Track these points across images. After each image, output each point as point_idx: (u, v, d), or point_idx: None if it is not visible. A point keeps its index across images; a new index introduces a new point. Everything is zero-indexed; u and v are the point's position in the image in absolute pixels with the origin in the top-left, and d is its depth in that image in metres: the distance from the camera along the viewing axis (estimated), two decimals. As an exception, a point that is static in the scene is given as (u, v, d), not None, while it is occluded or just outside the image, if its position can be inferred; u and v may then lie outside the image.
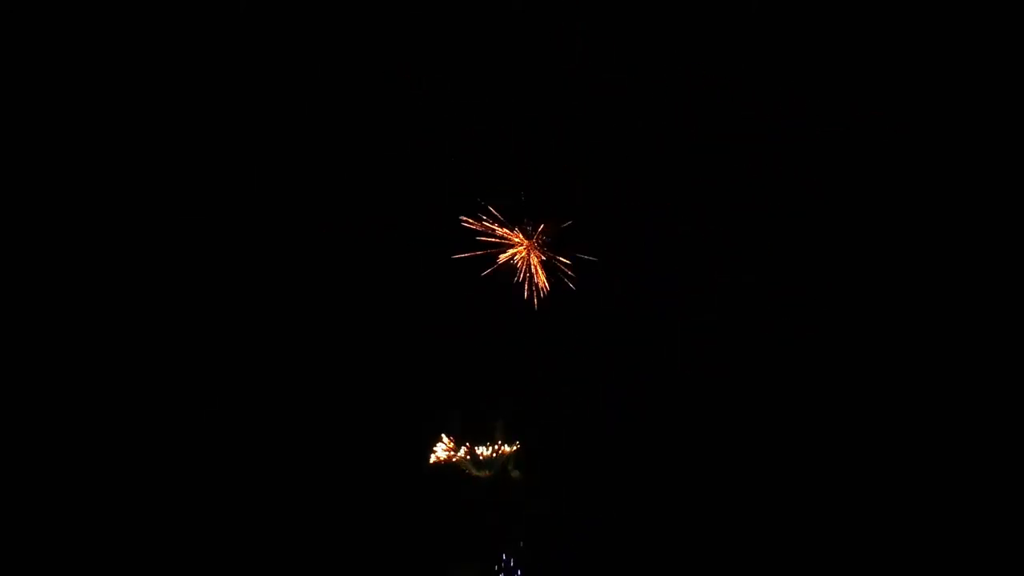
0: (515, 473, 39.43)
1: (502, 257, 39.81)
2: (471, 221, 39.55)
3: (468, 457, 39.63)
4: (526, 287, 39.43)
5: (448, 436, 39.75)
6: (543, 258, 39.58)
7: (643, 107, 37.01)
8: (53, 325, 35.30)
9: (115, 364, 35.97)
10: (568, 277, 39.15)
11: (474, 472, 39.16)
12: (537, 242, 39.50)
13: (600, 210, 37.65)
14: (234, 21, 35.72)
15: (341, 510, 36.36)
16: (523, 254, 39.79)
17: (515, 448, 40.11)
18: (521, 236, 39.91)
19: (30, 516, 33.22)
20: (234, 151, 37.34)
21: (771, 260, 37.67)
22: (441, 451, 39.43)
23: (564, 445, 39.09)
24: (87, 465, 34.58)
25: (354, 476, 37.18)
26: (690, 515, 36.86)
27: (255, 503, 35.70)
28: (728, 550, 36.04)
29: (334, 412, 37.90)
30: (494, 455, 39.56)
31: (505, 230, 40.05)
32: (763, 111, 36.42)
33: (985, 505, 34.52)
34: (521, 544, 38.14)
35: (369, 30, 36.46)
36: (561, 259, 39.04)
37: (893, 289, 36.97)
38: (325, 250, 38.27)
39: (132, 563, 33.39)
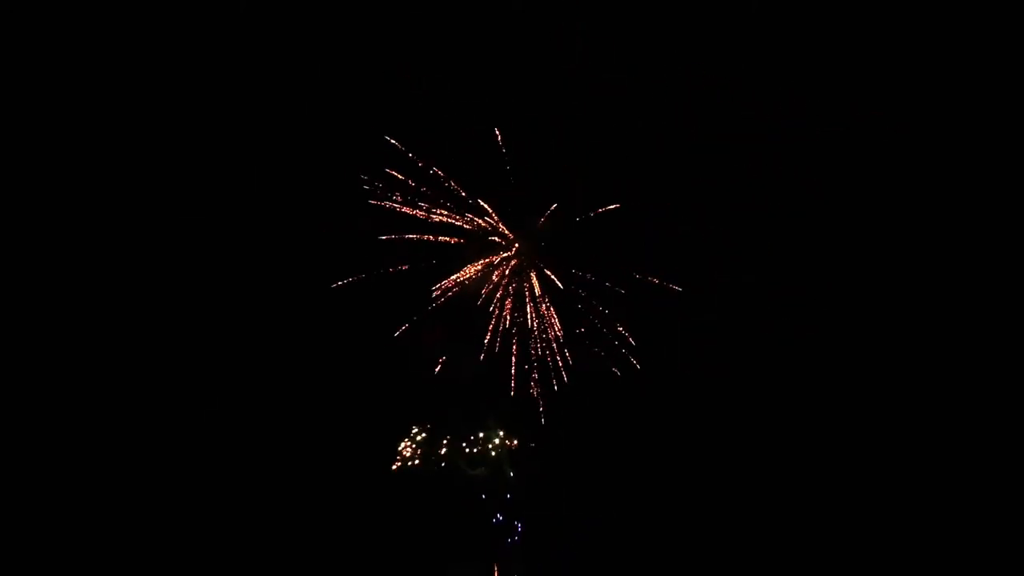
0: (510, 472, 38.39)
1: (460, 275, 31.09)
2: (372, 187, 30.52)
3: (451, 446, 36.69)
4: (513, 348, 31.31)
5: (418, 426, 35.75)
6: (557, 283, 31.26)
7: (643, 107, 37.02)
8: (49, 324, 35.22)
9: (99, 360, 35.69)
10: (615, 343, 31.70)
11: (468, 472, 37.59)
12: (534, 246, 32.05)
13: (600, 210, 37.55)
14: (230, 21, 35.89)
15: (340, 510, 36.12)
16: (509, 266, 31.93)
17: (510, 446, 37.65)
18: (505, 230, 31.89)
19: (30, 516, 33.30)
20: (219, 151, 36.70)
21: (771, 260, 37.62)
22: (406, 448, 35.43)
23: (563, 445, 38.98)
24: (70, 462, 34.48)
25: (352, 477, 36.83)
26: (690, 514, 36.82)
27: (255, 503, 35.55)
28: (728, 549, 36.08)
29: (331, 413, 37.16)
30: (492, 452, 37.64)
31: (473, 217, 30.94)
32: (763, 111, 36.39)
33: (985, 505, 34.56)
34: (516, 538, 36.80)
35: (369, 30, 36.53)
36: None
37: (892, 289, 36.97)
38: (322, 249, 36.51)
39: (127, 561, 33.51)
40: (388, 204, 32.03)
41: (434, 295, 31.78)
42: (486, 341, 32.18)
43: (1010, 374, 35.20)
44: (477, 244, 32.55)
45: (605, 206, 35.35)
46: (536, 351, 31.67)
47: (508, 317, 31.41)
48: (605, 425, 38.43)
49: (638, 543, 36.55)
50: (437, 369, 32.79)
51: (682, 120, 36.85)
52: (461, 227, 32.14)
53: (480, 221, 32.29)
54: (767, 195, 36.96)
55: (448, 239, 31.87)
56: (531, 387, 32.58)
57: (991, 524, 34.17)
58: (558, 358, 32.91)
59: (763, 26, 35.82)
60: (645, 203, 37.45)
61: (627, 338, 32.86)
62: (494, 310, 32.05)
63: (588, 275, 33.62)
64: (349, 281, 31.59)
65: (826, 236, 37.01)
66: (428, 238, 32.33)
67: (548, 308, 31.63)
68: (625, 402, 38.38)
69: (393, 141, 31.75)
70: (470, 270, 32.07)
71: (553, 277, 32.31)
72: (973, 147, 35.31)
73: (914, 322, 36.43)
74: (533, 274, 32.46)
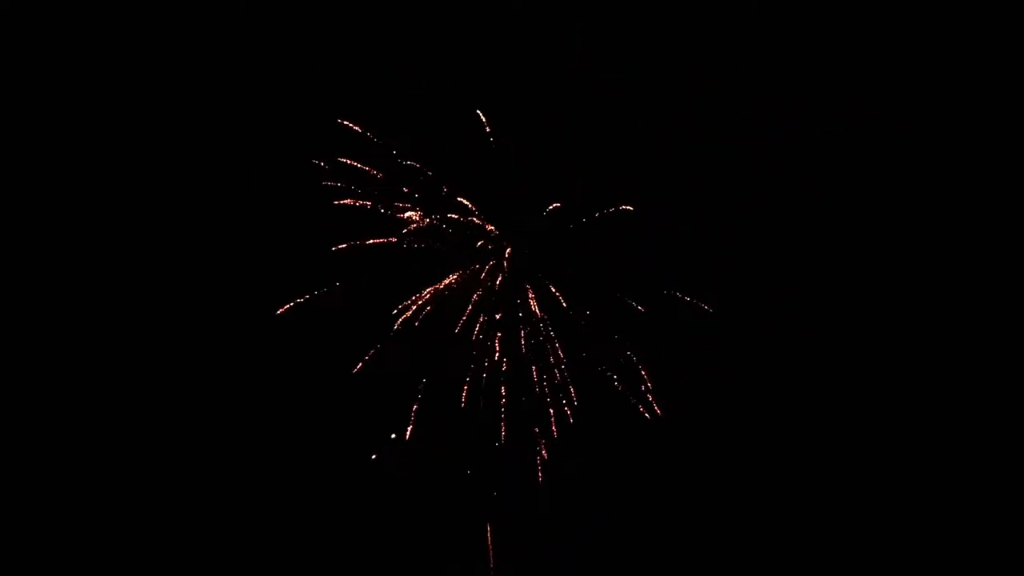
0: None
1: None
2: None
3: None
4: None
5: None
6: (559, 298, 24.50)
7: (643, 107, 36.94)
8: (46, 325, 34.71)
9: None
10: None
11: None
12: (530, 253, 25.59)
13: (606, 212, 37.32)
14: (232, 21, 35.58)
15: (337, 508, 35.86)
16: (498, 281, 25.23)
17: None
18: (494, 231, 25.14)
19: (30, 516, 33.19)
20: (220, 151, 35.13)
21: (771, 260, 37.56)
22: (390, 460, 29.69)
23: (562, 446, 38.76)
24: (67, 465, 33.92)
25: (348, 475, 35.72)
26: (689, 516, 36.78)
27: (252, 503, 35.10)
28: (728, 550, 36.08)
29: (325, 410, 34.96)
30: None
31: (456, 217, 23.89)
32: (763, 111, 36.37)
33: (985, 506, 34.62)
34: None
35: (368, 30, 36.38)
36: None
37: (893, 289, 36.96)
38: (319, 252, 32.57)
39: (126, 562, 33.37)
40: (349, 201, 26.93)
41: (402, 318, 25.97)
42: (468, 378, 26.42)
43: (1011, 374, 35.37)
44: (458, 251, 27.35)
45: (606, 208, 31.74)
46: (536, 387, 25.87)
47: (497, 344, 25.72)
48: (604, 425, 38.17)
49: (638, 543, 36.57)
50: (408, 432, 27.41)
51: (682, 120, 36.84)
52: (438, 230, 26.70)
53: (464, 220, 27.01)
54: (767, 195, 36.99)
55: (421, 244, 26.44)
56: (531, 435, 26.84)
57: (991, 524, 34.38)
58: (561, 399, 27.78)
59: (763, 26, 35.87)
60: (646, 204, 37.41)
61: (645, 378, 27.81)
62: (478, 335, 26.48)
63: (595, 287, 28.53)
64: (296, 303, 26.28)
65: (826, 236, 37.01)
66: (394, 241, 27.08)
67: (548, 331, 26.13)
68: (624, 404, 38.25)
69: (355, 127, 26.78)
70: (449, 282, 26.70)
71: (555, 291, 27.00)
72: (973, 147, 35.40)
73: (915, 322, 36.48)
74: (528, 288, 26.99)
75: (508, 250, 27.81)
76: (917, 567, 34.38)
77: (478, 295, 27.10)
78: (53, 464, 33.46)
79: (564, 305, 27.97)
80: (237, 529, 34.59)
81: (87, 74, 33.98)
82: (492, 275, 27.63)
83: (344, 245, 27.78)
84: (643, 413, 28.66)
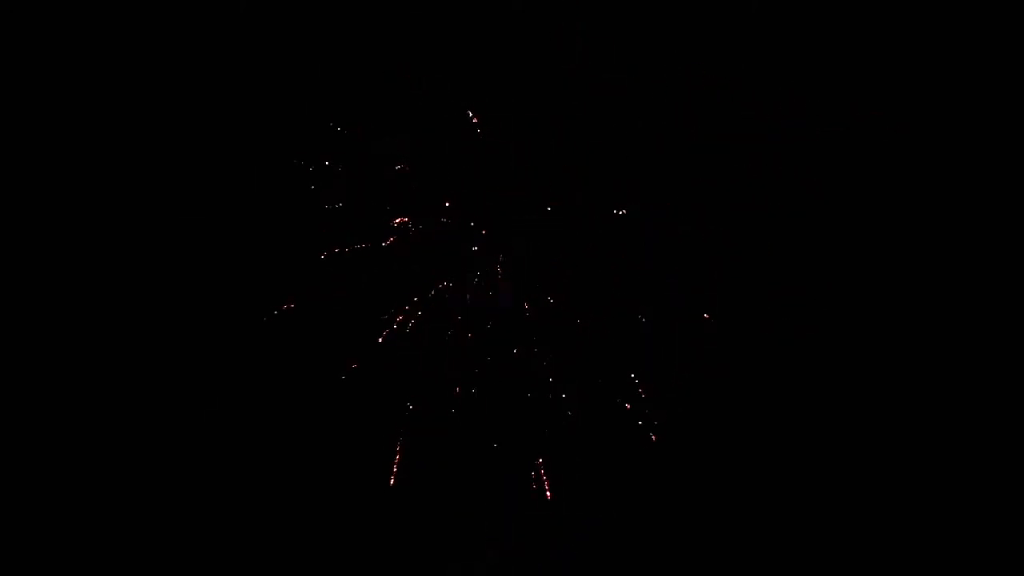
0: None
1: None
2: None
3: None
4: None
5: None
6: (553, 304, 23.76)
7: (643, 107, 37.15)
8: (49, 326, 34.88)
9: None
10: None
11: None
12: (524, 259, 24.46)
13: (599, 210, 37.45)
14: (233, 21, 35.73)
15: (336, 509, 35.99)
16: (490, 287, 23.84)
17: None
18: (486, 234, 23.53)
19: (30, 516, 33.46)
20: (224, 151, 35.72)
21: (772, 261, 37.77)
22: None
23: (562, 448, 38.87)
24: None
25: (344, 476, 36.08)
26: (690, 515, 36.94)
27: (244, 508, 34.92)
28: (728, 552, 36.24)
29: (314, 416, 34.96)
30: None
31: (446, 221, 23.00)
32: (763, 111, 36.55)
33: (986, 507, 34.86)
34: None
35: (366, 29, 36.51)
36: None
37: (895, 290, 37.14)
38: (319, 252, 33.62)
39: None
40: (337, 206, 25.75)
41: (391, 325, 25.19)
42: (459, 384, 25.95)
43: (1013, 375, 35.51)
44: (450, 256, 26.44)
45: (605, 210, 30.78)
46: (531, 392, 25.70)
47: (490, 349, 25.26)
48: (602, 429, 38.29)
49: (638, 543, 36.71)
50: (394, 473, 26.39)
51: (682, 120, 37.00)
52: (429, 235, 25.78)
53: (456, 224, 26.18)
54: (768, 195, 37.18)
55: (412, 249, 25.53)
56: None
57: (991, 525, 34.54)
58: (557, 403, 27.26)
59: (763, 26, 35.97)
60: (645, 205, 37.53)
61: (638, 383, 27.53)
62: (471, 340, 25.98)
63: (593, 290, 27.67)
64: (280, 311, 25.23)
65: (826, 236, 37.18)
66: (383, 246, 26.02)
67: (543, 335, 25.63)
68: (624, 405, 38.36)
69: (347, 130, 25.71)
70: (440, 288, 25.87)
71: (550, 297, 26.37)
72: (973, 147, 35.48)
73: (915, 323, 36.62)
74: (522, 294, 26.28)
75: (502, 255, 27.31)
76: (920, 569, 34.64)
77: (470, 301, 26.47)
78: (37, 465, 33.70)
79: (560, 309, 27.69)
80: (232, 533, 34.76)
81: (74, 74, 34.12)
82: (486, 280, 27.09)
83: (334, 251, 27.01)
84: (639, 416, 28.71)
